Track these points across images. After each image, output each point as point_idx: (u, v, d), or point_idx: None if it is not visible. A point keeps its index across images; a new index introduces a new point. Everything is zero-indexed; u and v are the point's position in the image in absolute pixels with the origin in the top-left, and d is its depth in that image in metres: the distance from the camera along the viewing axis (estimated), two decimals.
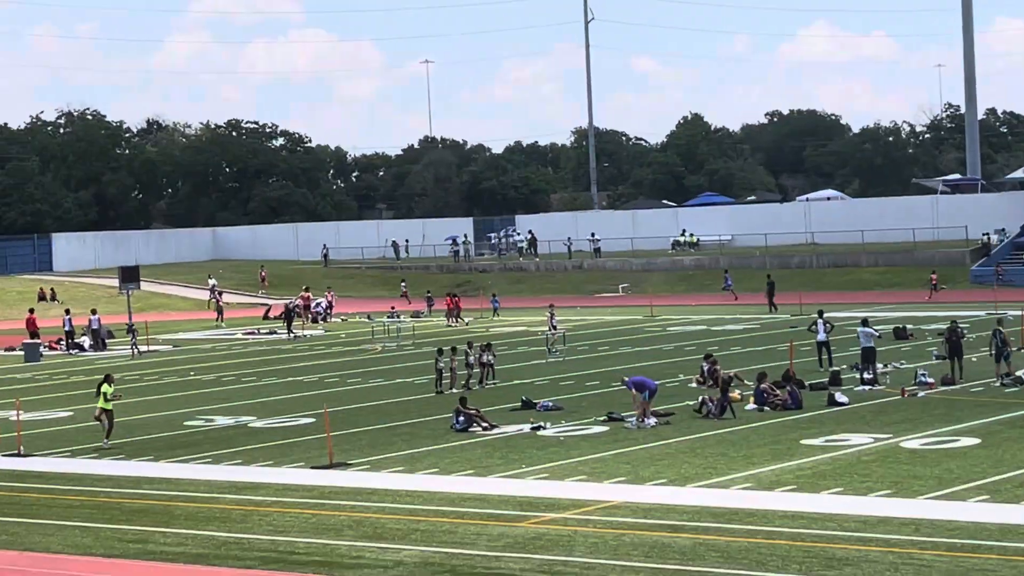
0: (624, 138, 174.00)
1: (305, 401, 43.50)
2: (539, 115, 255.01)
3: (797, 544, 22.24)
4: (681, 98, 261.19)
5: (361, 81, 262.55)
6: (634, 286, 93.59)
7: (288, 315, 70.58)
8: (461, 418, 35.93)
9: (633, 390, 35.92)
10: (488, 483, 28.84)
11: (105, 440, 35.52)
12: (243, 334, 72.32)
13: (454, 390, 42.81)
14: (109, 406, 35.72)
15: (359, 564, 22.41)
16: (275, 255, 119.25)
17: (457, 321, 72.57)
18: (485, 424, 35.82)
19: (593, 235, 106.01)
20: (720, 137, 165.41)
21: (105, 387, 35.78)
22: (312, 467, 31.58)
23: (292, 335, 68.74)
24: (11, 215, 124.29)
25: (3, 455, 35.03)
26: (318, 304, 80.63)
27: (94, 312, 68.25)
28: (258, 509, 27.13)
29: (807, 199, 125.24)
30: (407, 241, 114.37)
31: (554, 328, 58.06)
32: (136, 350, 62.79)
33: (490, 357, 45.60)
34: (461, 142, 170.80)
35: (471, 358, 45.72)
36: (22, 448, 35.23)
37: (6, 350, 66.47)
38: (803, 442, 31.89)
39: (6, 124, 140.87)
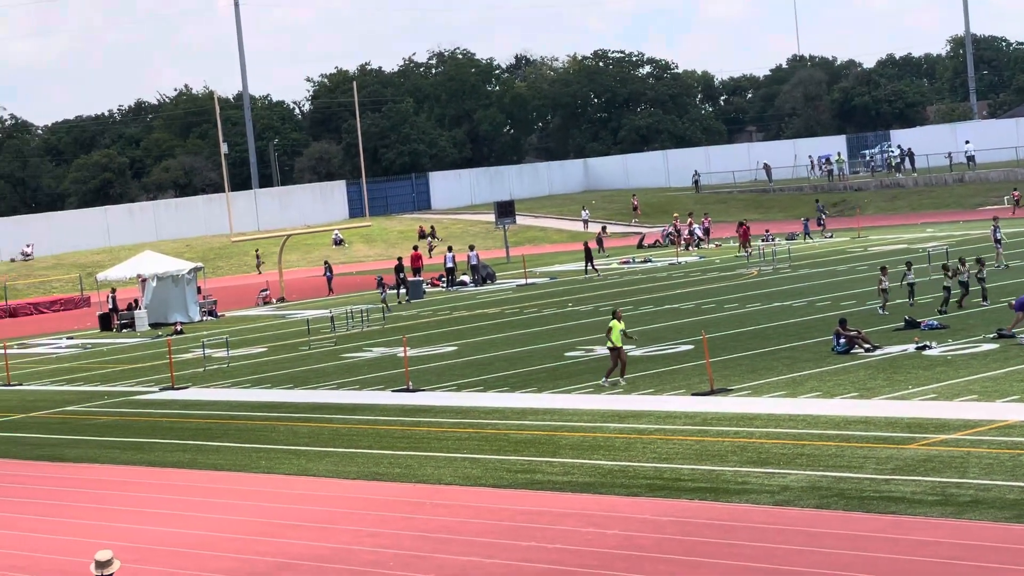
0: (1004, 43, 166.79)
1: (682, 328, 43.39)
2: (911, 25, 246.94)
3: None
4: None
5: (726, 3, 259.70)
6: None
7: (586, 253, 68.82)
8: (842, 340, 35.15)
9: (1019, 312, 34.47)
10: (873, 405, 28.13)
11: (604, 380, 33.54)
12: (618, 263, 72.70)
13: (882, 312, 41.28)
14: (620, 342, 33.56)
15: (744, 490, 22.17)
16: (646, 183, 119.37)
17: (748, 249, 70.08)
18: (868, 345, 34.95)
19: (967, 143, 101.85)
20: None
21: (615, 323, 33.65)
22: (693, 394, 31.45)
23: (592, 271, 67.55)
24: (389, 156, 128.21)
25: (393, 391, 36.17)
26: (693, 230, 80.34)
27: (472, 248, 69.73)
28: (641, 437, 27.19)
29: None
30: (811, 159, 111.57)
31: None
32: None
33: (911, 276, 43.11)
34: (830, 59, 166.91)
35: (909, 278, 43.22)
36: (411, 383, 36.29)
37: (390, 288, 68.66)
38: None
39: (380, 68, 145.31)
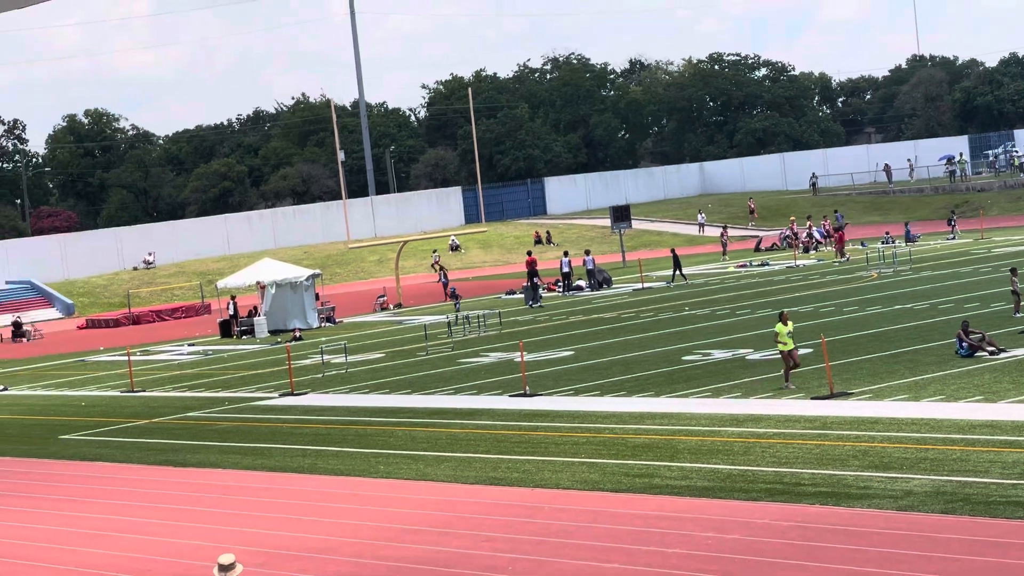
0: None
1: (801, 331, 42.90)
2: None
3: None
4: None
5: (844, 3, 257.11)
6: None
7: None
8: (965, 344, 34.58)
9: None
10: (999, 409, 27.64)
11: (786, 383, 32.98)
12: (735, 267, 72.22)
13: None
14: (791, 345, 33.01)
15: (866, 495, 21.88)
16: (762, 186, 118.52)
17: (845, 255, 69.39)
18: (992, 348, 34.36)
19: None
20: None
21: (780, 326, 33.18)
22: (812, 397, 31.13)
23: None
24: (505, 162, 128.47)
25: (510, 395, 36.18)
26: (809, 233, 79.59)
27: (588, 252, 69.66)
28: (760, 441, 26.94)
29: None
30: (910, 161, 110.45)
31: None
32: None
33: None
34: (951, 58, 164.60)
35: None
36: (527, 388, 36.26)
37: (507, 293, 68.77)
38: None
39: (495, 74, 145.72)
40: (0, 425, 40.77)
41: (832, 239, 71.62)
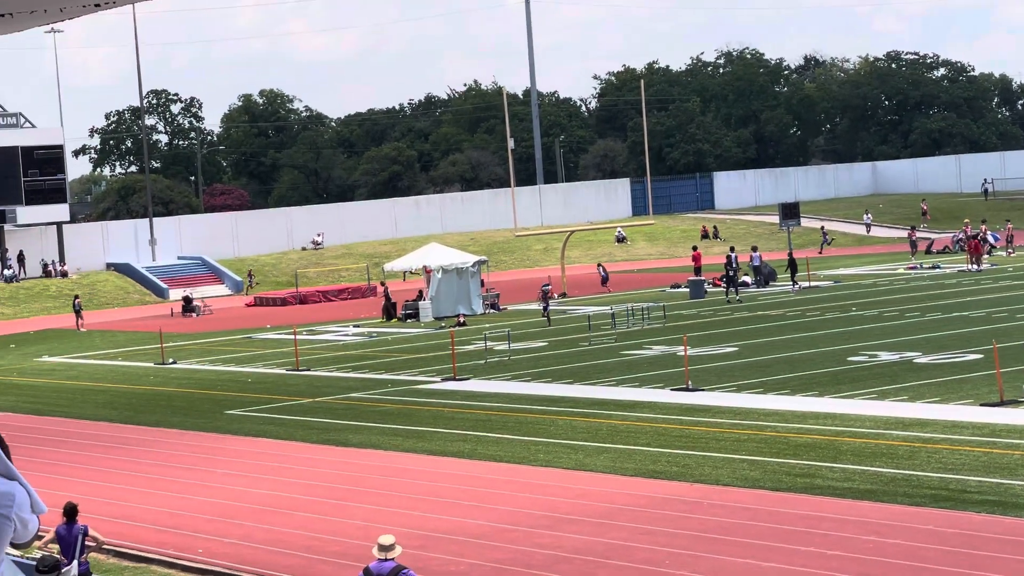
0: None
1: (972, 336, 42.10)
2: None
3: None
4: None
5: None
6: None
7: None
8: None
9: None
10: None
11: None
12: (905, 268, 71.04)
13: None
14: None
15: None
16: (936, 188, 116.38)
17: (977, 265, 67.40)
18: None
19: None
20: None
21: None
22: (981, 404, 30.47)
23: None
24: (674, 155, 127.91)
25: (672, 389, 36.00)
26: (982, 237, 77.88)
27: (755, 249, 69.03)
28: (926, 446, 26.46)
29: None
30: None
31: None
32: (797, 286, 62.95)
33: None
34: None
35: None
36: (690, 382, 36.07)
37: (672, 287, 68.47)
38: None
39: (668, 66, 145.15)
40: (168, 398, 41.65)
41: (966, 247, 69.94)
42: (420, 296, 62.77)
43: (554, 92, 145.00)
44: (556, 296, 67.75)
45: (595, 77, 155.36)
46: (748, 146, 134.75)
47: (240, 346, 55.41)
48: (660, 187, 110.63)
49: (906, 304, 53.19)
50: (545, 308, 54.12)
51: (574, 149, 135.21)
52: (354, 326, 60.48)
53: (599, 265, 73.37)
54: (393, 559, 15.53)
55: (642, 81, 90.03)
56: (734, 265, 63.41)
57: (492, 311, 62.22)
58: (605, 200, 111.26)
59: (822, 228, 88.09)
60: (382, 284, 64.94)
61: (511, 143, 79.91)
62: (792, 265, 64.05)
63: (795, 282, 63.37)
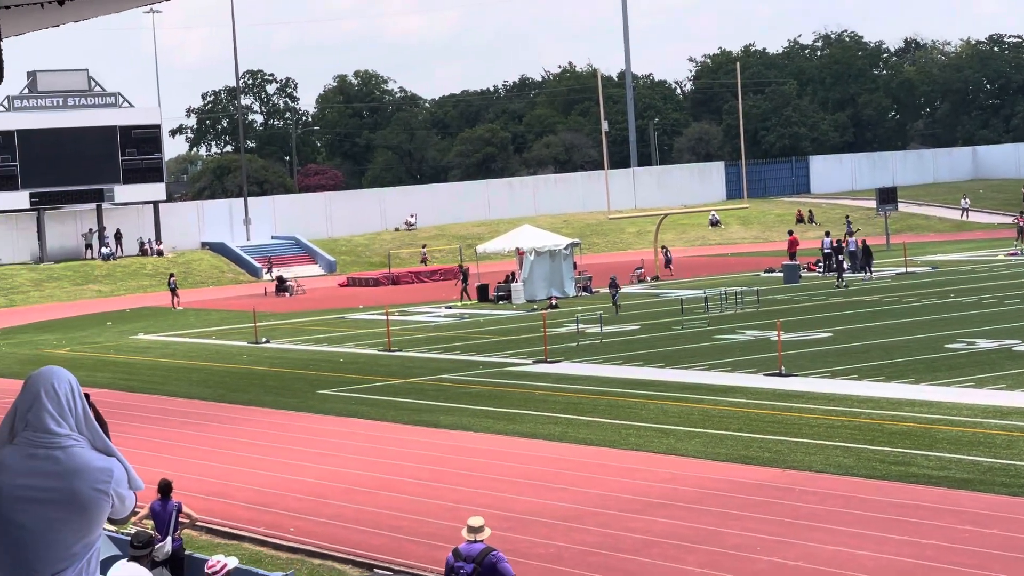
0: None
1: None
2: None
3: None
4: None
5: None
6: None
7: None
8: None
9: None
10: None
11: None
12: (1005, 255, 69.98)
13: None
14: None
15: None
16: None
17: None
18: None
19: None
20: None
21: None
22: None
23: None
24: (770, 138, 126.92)
25: (765, 374, 35.68)
26: None
27: (851, 233, 68.34)
28: None
29: None
30: None
31: None
32: (869, 273, 61.79)
33: None
34: None
35: None
36: (783, 368, 35.72)
37: (766, 271, 67.94)
38: None
39: (764, 49, 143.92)
40: (261, 377, 41.91)
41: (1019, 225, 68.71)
42: (512, 278, 62.72)
43: (649, 74, 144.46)
44: (648, 279, 67.47)
45: (690, 59, 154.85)
46: (845, 130, 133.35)
47: (333, 326, 55.67)
48: (755, 171, 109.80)
49: (1006, 291, 52.36)
50: (614, 296, 53.62)
51: (668, 132, 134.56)
52: (446, 307, 60.56)
53: (663, 248, 72.75)
54: (482, 541, 15.45)
55: (738, 64, 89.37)
56: (848, 250, 62.67)
57: (584, 294, 62.04)
58: (699, 183, 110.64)
59: (847, 217, 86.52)
60: (460, 266, 65.13)
61: (605, 125, 79.64)
62: (867, 252, 63.11)
63: (868, 269, 62.49)
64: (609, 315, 50.56)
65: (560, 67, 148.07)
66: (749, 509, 22.02)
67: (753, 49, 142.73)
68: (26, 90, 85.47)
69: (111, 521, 5.54)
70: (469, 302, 62.01)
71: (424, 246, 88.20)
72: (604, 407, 32.40)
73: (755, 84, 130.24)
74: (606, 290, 55.82)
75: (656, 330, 47.10)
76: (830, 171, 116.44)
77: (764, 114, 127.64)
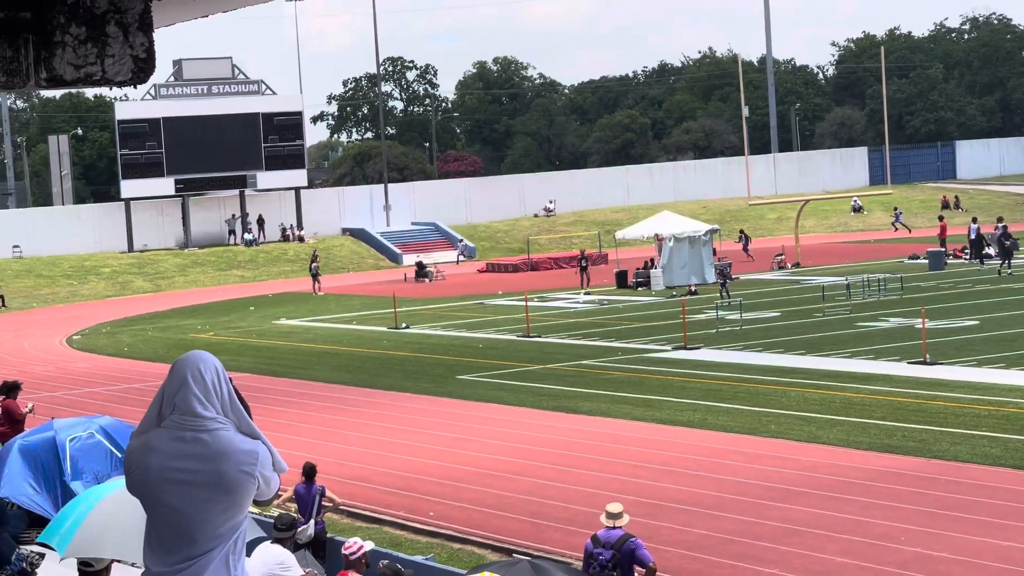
0: None
1: None
2: None
3: None
4: None
5: None
6: None
7: None
8: None
9: None
10: None
11: None
12: None
13: None
14: None
15: None
16: None
17: None
18: None
19: None
20: None
21: None
22: None
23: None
24: (915, 123, 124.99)
25: (909, 362, 35.12)
26: None
27: (1000, 220, 67.00)
28: None
29: None
30: None
31: None
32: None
33: None
34: None
35: None
36: (928, 356, 35.13)
37: (910, 258, 66.89)
38: None
39: (909, 32, 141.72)
40: (402, 362, 42.18)
41: None
42: (651, 264, 62.45)
43: (790, 59, 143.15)
44: (789, 266, 66.81)
45: (833, 44, 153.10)
46: (993, 114, 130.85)
47: (472, 312, 55.88)
48: (899, 156, 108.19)
49: None
50: (723, 285, 52.72)
51: (810, 117, 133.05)
52: (584, 293, 60.48)
53: (741, 232, 71.63)
54: (621, 527, 15.40)
55: (882, 48, 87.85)
56: (1004, 239, 61.11)
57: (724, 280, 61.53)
58: (841, 169, 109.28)
59: (895, 209, 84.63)
60: (581, 253, 65.33)
61: (745, 111, 78.92)
62: (1001, 243, 61.35)
63: (979, 259, 61.24)
64: (749, 301, 50.12)
65: (700, 52, 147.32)
66: (893, 499, 21.70)
67: (898, 33, 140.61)
68: (172, 78, 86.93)
69: (256, 503, 5.63)
70: (592, 288, 61.88)
71: (461, 240, 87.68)
72: (744, 394, 32.13)
73: (899, 68, 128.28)
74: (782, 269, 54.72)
75: (797, 317, 46.61)
76: (977, 156, 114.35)
77: (909, 99, 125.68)
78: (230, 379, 5.55)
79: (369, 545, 14.48)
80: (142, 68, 5.11)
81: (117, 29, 4.99)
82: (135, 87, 5.25)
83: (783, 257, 68.07)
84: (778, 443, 26.49)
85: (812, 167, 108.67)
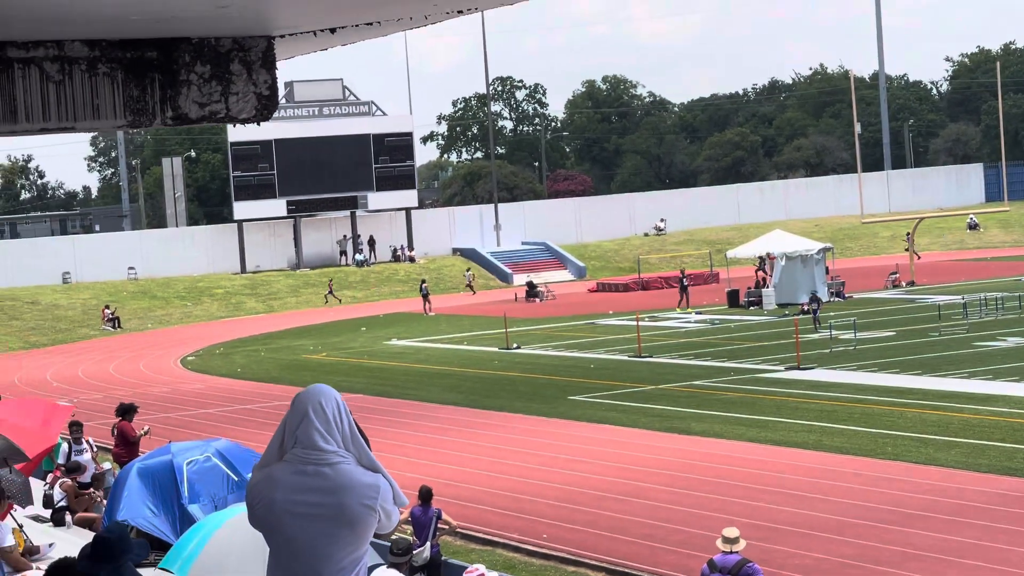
0: None
1: None
2: None
3: None
4: None
5: None
6: None
7: None
8: None
9: None
10: None
11: None
12: None
13: None
14: None
15: None
16: None
17: None
18: None
19: None
20: None
21: None
22: None
23: None
24: None
25: None
26: None
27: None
28: None
29: None
30: None
31: None
32: None
33: None
34: None
35: None
36: None
37: None
38: None
39: None
40: (512, 383, 42.18)
41: None
42: (763, 283, 61.97)
43: (903, 75, 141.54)
44: (903, 284, 66.01)
45: (947, 59, 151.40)
46: None
47: (583, 332, 55.78)
48: (1016, 172, 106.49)
49: None
50: (815, 312, 51.48)
51: (923, 133, 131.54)
52: (696, 312, 60.17)
53: (767, 254, 68.68)
54: (738, 552, 15.27)
55: (998, 62, 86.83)
56: None
57: (837, 299, 60.95)
58: (956, 186, 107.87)
59: (907, 234, 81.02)
60: (682, 272, 65.06)
61: (858, 128, 78.14)
62: None
63: None
64: (863, 320, 49.53)
65: (811, 69, 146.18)
66: (1015, 523, 21.31)
67: (1014, 47, 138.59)
68: (283, 100, 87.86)
69: (376, 536, 5.62)
70: (689, 309, 61.47)
71: (468, 269, 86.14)
72: (859, 415, 31.75)
73: (1016, 83, 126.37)
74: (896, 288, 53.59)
75: (912, 336, 46.01)
76: None
77: None
78: (351, 412, 5.56)
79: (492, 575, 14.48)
80: (265, 105, 5.15)
81: (241, 67, 5.02)
82: (259, 124, 5.29)
83: (897, 275, 67.28)
84: (895, 465, 26.13)
85: (926, 184, 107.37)
